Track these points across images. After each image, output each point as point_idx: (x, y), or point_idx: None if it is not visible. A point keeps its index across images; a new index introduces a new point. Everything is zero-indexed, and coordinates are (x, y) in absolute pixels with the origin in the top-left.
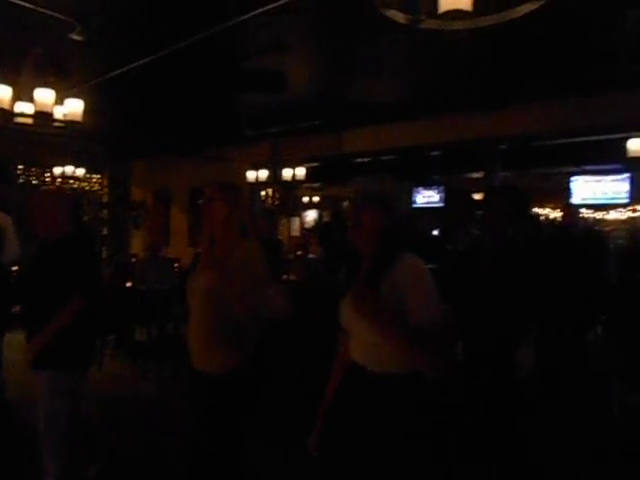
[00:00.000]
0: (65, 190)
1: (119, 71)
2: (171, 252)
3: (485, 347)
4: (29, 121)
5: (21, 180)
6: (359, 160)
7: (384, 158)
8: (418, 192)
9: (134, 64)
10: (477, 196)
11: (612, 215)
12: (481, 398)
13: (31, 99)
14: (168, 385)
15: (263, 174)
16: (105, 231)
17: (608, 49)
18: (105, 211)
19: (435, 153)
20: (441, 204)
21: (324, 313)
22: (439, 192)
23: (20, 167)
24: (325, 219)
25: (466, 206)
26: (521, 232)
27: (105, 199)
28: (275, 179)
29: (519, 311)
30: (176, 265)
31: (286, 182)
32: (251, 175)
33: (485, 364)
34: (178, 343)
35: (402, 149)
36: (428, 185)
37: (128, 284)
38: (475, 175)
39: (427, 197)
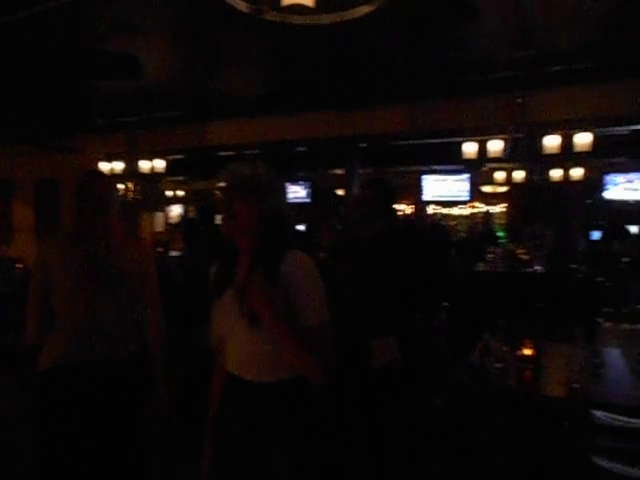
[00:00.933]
0: None
1: None
2: (15, 251)
3: (348, 341)
4: None
5: None
6: (223, 153)
7: (249, 152)
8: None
9: None
10: (340, 192)
11: (456, 211)
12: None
13: None
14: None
15: (118, 166)
16: None
17: (448, 59)
18: None
19: (301, 149)
20: (308, 200)
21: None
22: (305, 188)
23: None
24: (191, 214)
25: (331, 202)
26: (390, 226)
27: None
28: (132, 172)
29: (376, 303)
30: (18, 265)
31: (144, 175)
32: (104, 167)
33: (346, 358)
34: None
35: (267, 144)
36: (295, 181)
37: None
38: (339, 171)
39: (294, 192)
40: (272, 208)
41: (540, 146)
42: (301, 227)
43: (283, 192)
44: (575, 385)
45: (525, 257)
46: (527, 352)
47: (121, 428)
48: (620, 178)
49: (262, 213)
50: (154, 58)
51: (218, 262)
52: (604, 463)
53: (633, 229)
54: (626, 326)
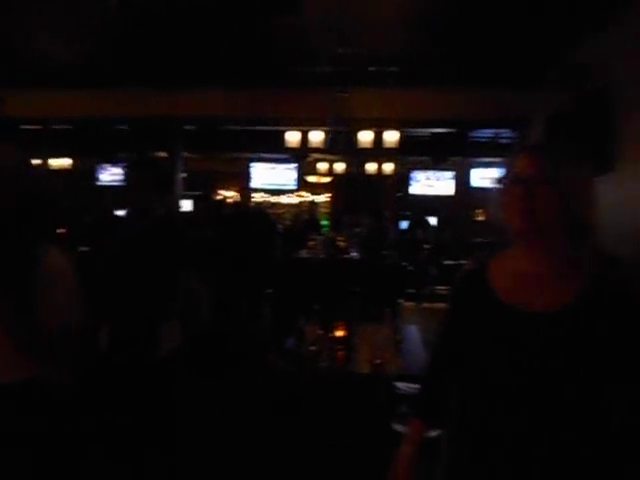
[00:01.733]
0: None
1: None
2: None
3: (131, 330)
4: None
5: None
6: (28, 127)
7: (59, 127)
8: (103, 169)
9: None
10: None
11: (285, 200)
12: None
13: None
14: None
15: None
16: None
17: (273, 49)
18: None
19: (121, 127)
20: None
21: None
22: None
23: None
24: None
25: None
26: (165, 208)
27: None
28: None
29: (160, 289)
30: None
31: None
32: None
33: (130, 348)
34: None
35: (82, 119)
36: (114, 162)
37: None
38: (162, 154)
39: (113, 175)
40: (19, 196)
41: (356, 140)
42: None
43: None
44: (378, 361)
45: (343, 244)
46: (339, 334)
47: None
48: (421, 175)
49: (8, 203)
50: None
51: None
52: (400, 428)
53: (433, 220)
54: (425, 305)
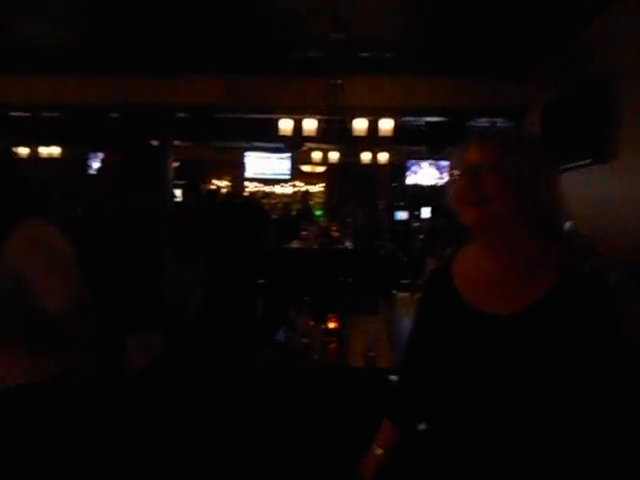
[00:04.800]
0: None
1: None
2: None
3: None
4: None
5: None
6: (14, 114)
7: (48, 115)
8: (96, 157)
9: None
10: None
11: (278, 189)
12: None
13: None
14: None
15: None
16: None
17: (266, 34)
18: None
19: (113, 115)
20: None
21: None
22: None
23: None
24: None
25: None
26: (146, 198)
27: None
28: None
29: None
30: None
31: None
32: None
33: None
34: None
35: (72, 106)
36: (106, 150)
37: None
38: (155, 142)
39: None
40: None
41: (350, 128)
42: None
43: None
44: (370, 354)
45: (337, 234)
46: (331, 326)
47: None
48: (416, 166)
49: None
50: None
51: None
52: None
53: (427, 210)
54: (419, 296)
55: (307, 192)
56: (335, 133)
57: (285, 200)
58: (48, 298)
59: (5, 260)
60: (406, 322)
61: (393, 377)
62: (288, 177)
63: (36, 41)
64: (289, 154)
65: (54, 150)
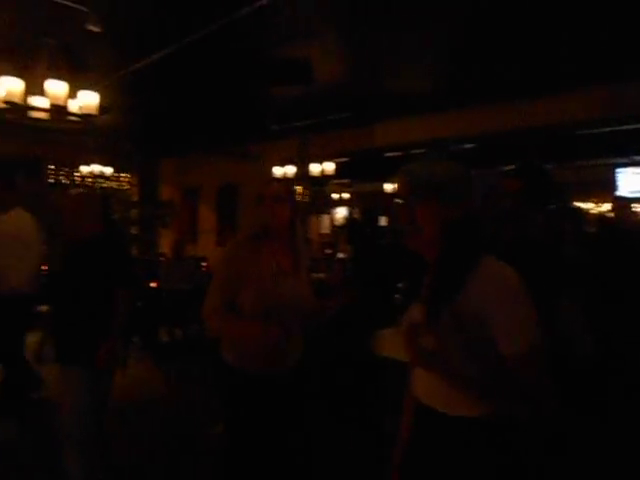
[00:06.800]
0: (94, 190)
1: (140, 64)
2: (199, 251)
3: None
4: (43, 115)
5: (51, 180)
6: (390, 154)
7: (416, 152)
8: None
9: (154, 55)
10: None
11: None
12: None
13: (44, 93)
14: (193, 388)
15: (290, 170)
16: (134, 230)
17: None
18: (134, 210)
19: (468, 146)
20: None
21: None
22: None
23: (51, 167)
24: (355, 216)
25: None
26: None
27: (134, 198)
28: (303, 175)
29: None
30: (203, 264)
31: (315, 178)
32: (278, 172)
33: None
34: (202, 344)
35: (433, 141)
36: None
37: (153, 284)
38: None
39: None
40: (458, 211)
41: None
42: None
43: (468, 188)
44: None
45: None
46: None
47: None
48: None
49: (445, 219)
50: (324, 62)
51: (409, 276)
52: None
53: None
54: None
55: None
56: None
57: None
58: (507, 339)
59: (468, 299)
60: None
61: None
62: None
63: (405, 89)
64: None
65: None
